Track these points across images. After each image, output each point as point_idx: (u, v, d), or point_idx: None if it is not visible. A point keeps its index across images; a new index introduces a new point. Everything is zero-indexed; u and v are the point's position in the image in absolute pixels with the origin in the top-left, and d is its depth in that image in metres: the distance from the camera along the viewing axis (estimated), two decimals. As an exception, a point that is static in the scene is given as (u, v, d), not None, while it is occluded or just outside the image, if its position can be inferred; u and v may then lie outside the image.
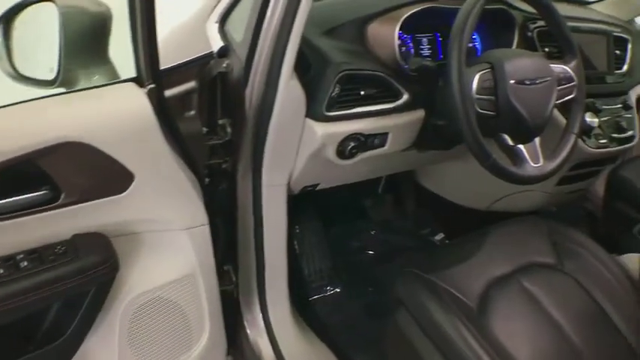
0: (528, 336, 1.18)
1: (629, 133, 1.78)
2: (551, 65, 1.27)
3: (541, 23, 1.52)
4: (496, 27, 1.48)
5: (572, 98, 1.31)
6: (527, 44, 1.52)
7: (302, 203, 1.72)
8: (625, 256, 1.42)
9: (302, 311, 1.63)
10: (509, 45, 1.46)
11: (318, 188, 1.46)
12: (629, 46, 1.83)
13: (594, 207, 2.23)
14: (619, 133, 1.74)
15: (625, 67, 1.81)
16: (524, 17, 1.51)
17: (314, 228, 1.87)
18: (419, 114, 1.33)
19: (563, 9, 1.59)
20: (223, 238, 1.32)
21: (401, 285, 1.29)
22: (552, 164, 1.26)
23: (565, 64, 1.30)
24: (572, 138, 1.31)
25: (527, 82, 1.18)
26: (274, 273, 1.41)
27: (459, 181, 1.90)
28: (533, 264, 1.32)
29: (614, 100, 1.77)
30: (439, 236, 2.16)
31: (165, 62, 1.07)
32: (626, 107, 1.80)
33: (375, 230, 2.13)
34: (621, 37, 1.81)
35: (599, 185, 2.06)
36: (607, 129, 1.71)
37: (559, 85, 1.26)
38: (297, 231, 1.84)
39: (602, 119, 1.71)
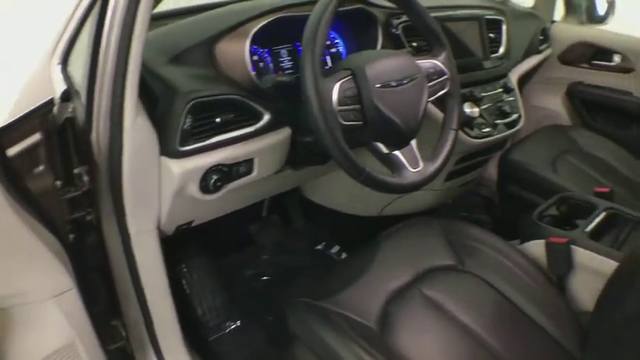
0: (438, 347, 1.12)
1: (514, 116, 1.75)
2: (419, 61, 1.19)
3: (405, 18, 1.45)
4: (359, 28, 1.41)
5: (445, 92, 1.24)
6: (394, 42, 1.45)
7: (184, 239, 1.60)
8: (528, 244, 1.39)
9: (203, 354, 1.52)
10: (374, 45, 1.39)
11: (194, 224, 1.35)
12: (504, 27, 1.79)
13: (490, 193, 2.22)
14: (503, 118, 1.71)
15: (502, 50, 1.77)
16: (386, 14, 1.44)
17: (201, 264, 1.74)
18: (285, 133, 1.25)
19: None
20: (104, 294, 1.22)
21: (292, 317, 1.21)
22: (433, 166, 1.19)
23: (434, 57, 1.23)
24: (452, 134, 1.24)
25: (394, 84, 1.10)
26: (163, 321, 1.32)
27: (345, 190, 1.83)
28: (432, 269, 1.27)
29: (494, 85, 1.74)
30: (335, 249, 2.07)
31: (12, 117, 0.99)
32: (507, 90, 1.76)
33: (267, 254, 2.02)
34: (494, 19, 1.77)
35: (493, 169, 2.07)
36: (489, 116, 1.67)
37: (430, 81, 1.19)
38: (184, 270, 1.71)
39: (483, 107, 1.67)
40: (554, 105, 2.40)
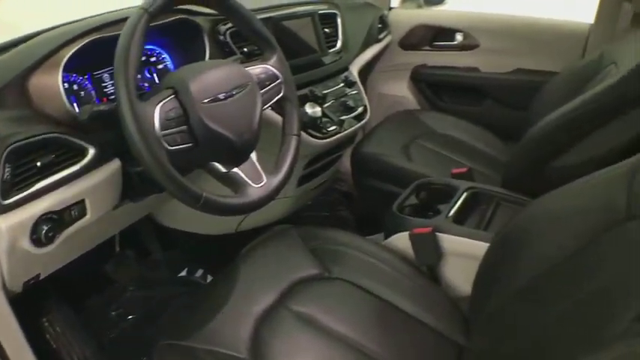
0: None
1: (359, 109, 1.72)
2: (248, 68, 1.12)
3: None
4: (184, 39, 1.31)
5: (281, 97, 1.17)
6: (223, 49, 1.35)
7: (41, 292, 1.46)
8: (393, 238, 1.37)
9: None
10: (203, 56, 1.29)
11: (43, 277, 1.20)
12: (339, 20, 1.75)
13: (349, 187, 2.20)
14: (349, 113, 1.68)
15: (339, 44, 1.73)
16: (212, 21, 1.35)
17: (63, 315, 1.56)
18: (114, 166, 1.12)
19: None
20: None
21: None
22: (277, 178, 1.13)
23: (265, 61, 1.16)
24: (293, 140, 1.19)
25: (222, 97, 1.01)
26: None
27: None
28: (297, 282, 1.22)
29: (335, 81, 1.70)
30: (199, 273, 1.95)
31: None
32: (349, 84, 1.73)
33: (129, 291, 1.87)
34: (328, 13, 1.71)
35: (349, 163, 2.02)
36: (334, 114, 1.63)
37: (263, 88, 1.12)
38: (46, 324, 1.52)
39: (327, 105, 1.63)
40: (400, 91, 2.42)
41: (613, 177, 0.93)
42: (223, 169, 1.05)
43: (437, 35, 2.31)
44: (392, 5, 2.36)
